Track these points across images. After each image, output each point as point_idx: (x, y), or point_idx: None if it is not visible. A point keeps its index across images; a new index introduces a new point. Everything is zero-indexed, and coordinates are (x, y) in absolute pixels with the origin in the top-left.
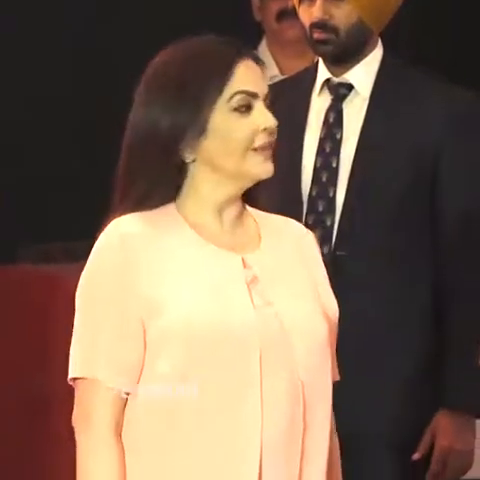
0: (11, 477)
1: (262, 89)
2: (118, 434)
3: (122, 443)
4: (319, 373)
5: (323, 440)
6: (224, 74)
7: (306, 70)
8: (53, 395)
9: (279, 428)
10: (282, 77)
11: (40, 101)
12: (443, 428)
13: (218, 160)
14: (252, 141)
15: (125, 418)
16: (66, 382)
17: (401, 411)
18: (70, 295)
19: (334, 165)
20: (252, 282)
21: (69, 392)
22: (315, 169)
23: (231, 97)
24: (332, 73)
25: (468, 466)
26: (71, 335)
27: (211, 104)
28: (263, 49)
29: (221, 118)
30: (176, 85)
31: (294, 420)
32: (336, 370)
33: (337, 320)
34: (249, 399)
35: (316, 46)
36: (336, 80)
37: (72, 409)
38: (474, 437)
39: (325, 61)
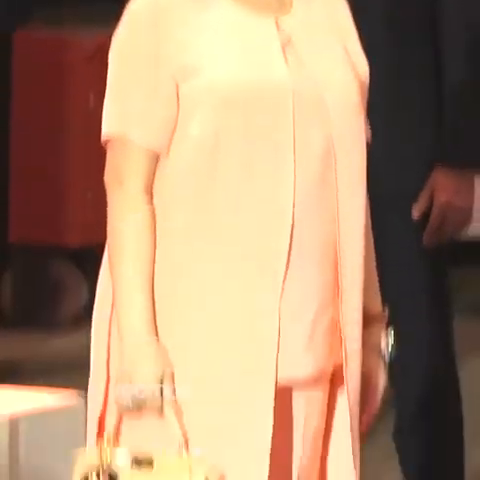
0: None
1: None
2: (149, 194)
3: (153, 205)
4: (353, 133)
5: (358, 206)
6: None
7: None
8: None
9: (311, 184)
10: None
11: None
12: (441, 184)
13: None
14: None
15: (156, 181)
16: (78, 135)
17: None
18: (83, 58)
19: None
20: (287, 44)
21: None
22: None
23: None
24: None
25: (467, 221)
26: (83, 96)
27: None
28: None
29: None
30: None
31: (326, 179)
32: (368, 132)
33: (368, 81)
34: (282, 155)
35: None
36: None
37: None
38: (473, 194)
39: None
